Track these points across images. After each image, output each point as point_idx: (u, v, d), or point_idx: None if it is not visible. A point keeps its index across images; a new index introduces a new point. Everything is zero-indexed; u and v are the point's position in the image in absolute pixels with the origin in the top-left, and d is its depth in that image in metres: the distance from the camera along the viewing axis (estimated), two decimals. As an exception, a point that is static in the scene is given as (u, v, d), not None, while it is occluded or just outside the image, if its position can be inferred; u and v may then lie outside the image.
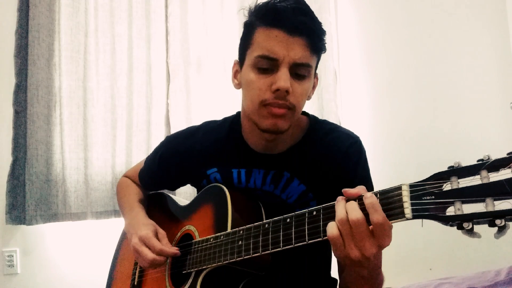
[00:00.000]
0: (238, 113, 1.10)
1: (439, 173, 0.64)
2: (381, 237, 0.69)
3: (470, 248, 2.05)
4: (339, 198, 0.74)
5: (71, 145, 1.99)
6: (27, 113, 1.90)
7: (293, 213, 0.81)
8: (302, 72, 0.92)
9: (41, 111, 1.93)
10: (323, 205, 0.77)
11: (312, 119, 1.07)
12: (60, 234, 2.00)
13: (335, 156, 1.00)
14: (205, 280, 0.94)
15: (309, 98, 1.00)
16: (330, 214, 0.74)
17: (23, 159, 1.90)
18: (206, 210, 1.03)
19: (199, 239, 1.00)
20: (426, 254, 2.26)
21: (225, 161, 1.07)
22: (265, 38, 0.91)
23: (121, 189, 1.32)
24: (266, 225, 0.84)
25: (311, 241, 0.76)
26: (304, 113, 1.08)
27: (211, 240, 0.94)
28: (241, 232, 0.88)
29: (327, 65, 2.47)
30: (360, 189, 0.74)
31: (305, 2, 0.95)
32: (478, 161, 0.60)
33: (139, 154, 2.11)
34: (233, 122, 1.10)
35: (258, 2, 0.97)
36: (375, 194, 0.70)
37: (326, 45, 0.97)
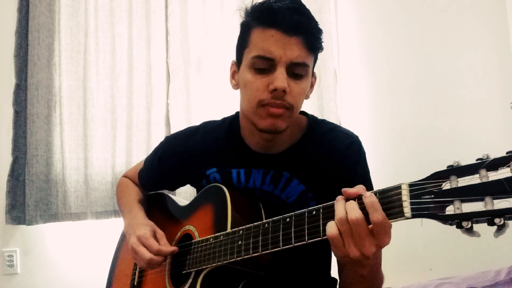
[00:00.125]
0: (237, 113, 1.10)
1: (438, 172, 0.64)
2: (380, 236, 0.69)
3: (470, 248, 2.04)
4: (339, 197, 0.74)
5: (71, 145, 1.99)
6: (27, 113, 1.90)
7: (293, 213, 0.81)
8: (299, 71, 0.92)
9: (41, 111, 1.93)
10: (323, 204, 0.77)
11: (311, 119, 1.07)
12: (60, 234, 2.00)
13: (335, 156, 1.00)
14: (205, 280, 0.94)
15: (307, 97, 1.00)
16: (329, 214, 0.74)
17: (23, 159, 1.90)
18: (206, 210, 1.03)
19: (199, 239, 1.00)
20: (426, 254, 2.26)
21: (225, 161, 1.07)
22: (262, 38, 0.91)
23: (121, 190, 1.32)
24: (266, 225, 0.84)
25: (310, 241, 0.76)
26: (303, 113, 1.08)
27: (211, 240, 0.94)
28: (241, 232, 0.88)
29: (327, 65, 2.45)
30: (359, 189, 0.74)
31: (300, 1, 0.95)
32: (477, 160, 0.60)
33: (139, 154, 2.11)
34: (232, 122, 1.10)
35: (254, 2, 0.97)
36: (375, 193, 0.70)
37: (323, 43, 0.97)
